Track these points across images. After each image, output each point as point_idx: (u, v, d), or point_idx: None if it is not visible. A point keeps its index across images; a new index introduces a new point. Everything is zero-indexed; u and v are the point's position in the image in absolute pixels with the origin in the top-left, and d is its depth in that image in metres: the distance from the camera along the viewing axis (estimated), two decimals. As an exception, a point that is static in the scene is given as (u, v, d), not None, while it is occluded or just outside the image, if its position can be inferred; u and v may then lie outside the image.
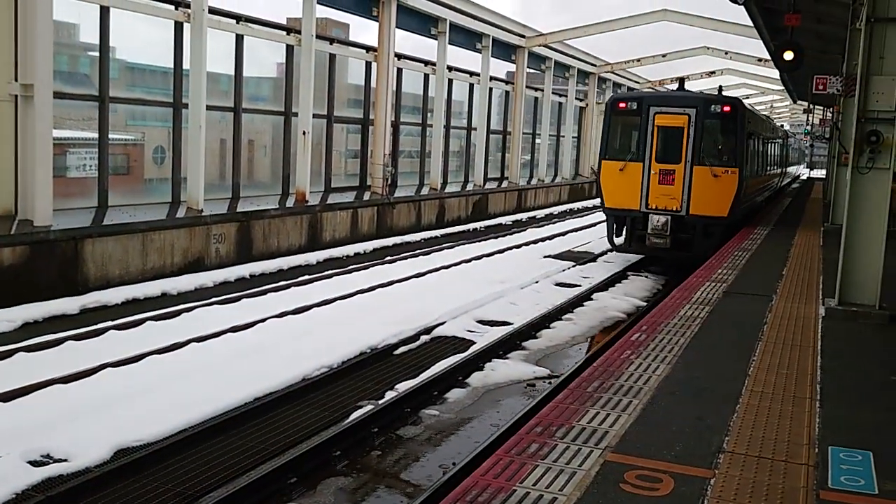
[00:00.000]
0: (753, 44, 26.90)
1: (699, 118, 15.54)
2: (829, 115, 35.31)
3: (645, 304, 13.49)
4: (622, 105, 16.18)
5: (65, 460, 6.39)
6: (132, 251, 12.89)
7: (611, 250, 17.44)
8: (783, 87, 40.67)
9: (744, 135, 15.98)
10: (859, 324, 8.83)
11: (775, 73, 34.75)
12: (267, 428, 7.31)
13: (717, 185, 15.50)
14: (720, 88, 18.44)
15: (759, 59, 34.29)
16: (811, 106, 39.76)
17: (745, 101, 18.21)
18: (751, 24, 20.17)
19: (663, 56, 36.44)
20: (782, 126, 35.70)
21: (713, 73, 42.83)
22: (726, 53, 35.72)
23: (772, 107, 59.87)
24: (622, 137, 16.31)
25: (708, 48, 36.01)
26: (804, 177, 63.84)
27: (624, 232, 16.59)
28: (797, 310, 9.36)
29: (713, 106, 15.75)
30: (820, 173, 67.63)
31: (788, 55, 13.49)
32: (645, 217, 15.88)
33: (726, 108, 15.76)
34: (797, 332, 8.27)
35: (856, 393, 6.39)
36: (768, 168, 23.00)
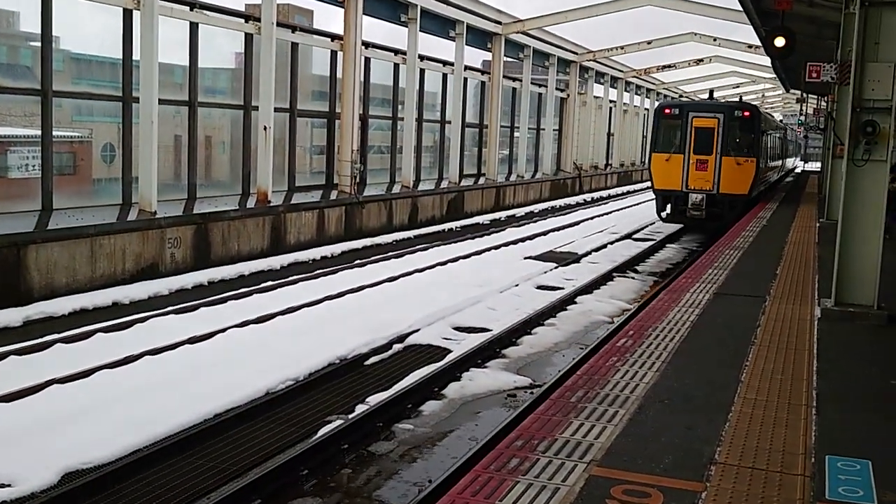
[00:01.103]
0: (743, 29, 27.15)
1: (726, 120, 21.43)
2: (823, 104, 35.70)
3: (631, 307, 13.58)
4: (667, 111, 22.54)
5: (8, 485, 6.32)
6: (80, 258, 12.77)
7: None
8: (775, 76, 41.05)
9: (759, 133, 22.08)
10: (857, 325, 8.94)
11: (766, 61, 35.04)
12: (228, 446, 7.27)
13: (740, 171, 21.48)
14: (741, 97, 27.95)
15: (749, 46, 34.59)
16: (804, 95, 40.17)
17: (760, 107, 26.51)
18: (740, 8, 20.33)
19: (648, 43, 36.68)
20: (781, 121, 40.34)
21: (701, 60, 43.25)
22: (714, 40, 36.00)
23: (763, 96, 60.50)
24: (667, 135, 22.19)
25: (695, 34, 36.28)
26: (798, 170, 64.55)
27: (668, 207, 22.61)
28: (792, 311, 9.46)
29: (736, 111, 21.92)
30: (814, 166, 68.35)
31: (780, 41, 13.62)
32: (685, 195, 21.74)
33: (746, 113, 21.95)
34: (792, 334, 8.36)
35: (854, 399, 6.47)
36: (775, 158, 30.41)
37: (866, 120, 9.00)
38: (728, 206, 21.58)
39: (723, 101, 26.44)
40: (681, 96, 57.94)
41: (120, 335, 10.52)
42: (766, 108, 61.12)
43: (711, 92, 25.39)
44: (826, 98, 29.37)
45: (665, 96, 55.75)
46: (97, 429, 7.29)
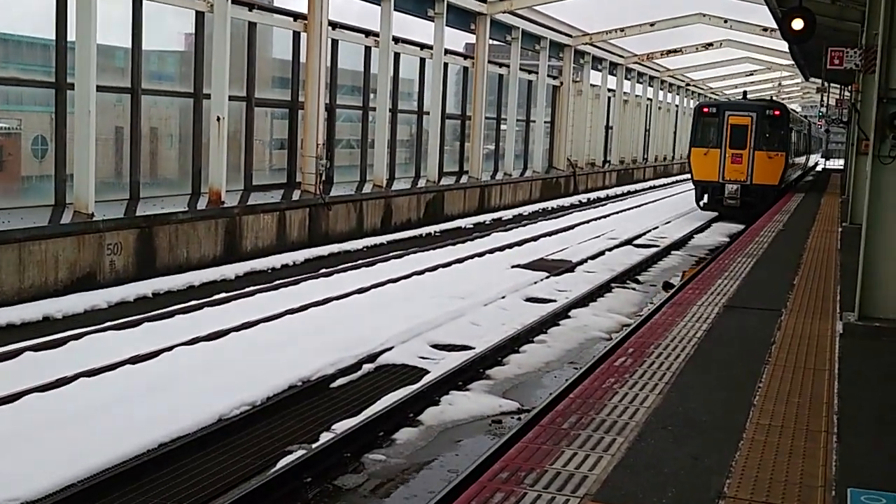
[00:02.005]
0: (757, 10, 27.38)
1: (758, 119, 27.34)
2: (846, 94, 36.04)
3: (631, 322, 13.64)
4: (706, 110, 28.72)
5: (-79, 526, 6.27)
6: (6, 266, 12.67)
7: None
8: (793, 62, 41.44)
9: (788, 130, 28.09)
10: (883, 342, 9.02)
11: (783, 46, 35.37)
12: (175, 480, 7.24)
13: (771, 164, 27.19)
14: (772, 98, 35.13)
15: (765, 29, 34.95)
16: (825, 84, 40.56)
17: (788, 105, 34.76)
18: (753, -14, 20.56)
19: (651, 25, 36.94)
20: (805, 117, 45.22)
21: (710, 45, 43.58)
22: (725, 21, 36.33)
23: (780, 85, 61.05)
24: (705, 132, 27.94)
25: (704, 15, 36.60)
26: (819, 167, 65.32)
27: (705, 196, 28.43)
28: (810, 326, 9.54)
29: (767, 110, 27.86)
30: (835, 164, 69.01)
31: (798, 23, 13.72)
32: (722, 186, 27.50)
33: (776, 112, 27.89)
34: (810, 352, 8.43)
35: (880, 424, 6.53)
36: (800, 153, 36.72)
37: (894, 112, 9.09)
38: (760, 195, 27.17)
39: (755, 100, 32.58)
40: (687, 85, 58.42)
41: (52, 354, 10.43)
42: (784, 99, 63.52)
43: (745, 93, 33.30)
44: (850, 88, 29.67)
45: (671, 85, 56.13)
46: (24, 460, 7.23)
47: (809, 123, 44.41)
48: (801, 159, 38.21)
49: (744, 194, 27.29)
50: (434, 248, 20.49)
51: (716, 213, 28.60)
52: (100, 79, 14.96)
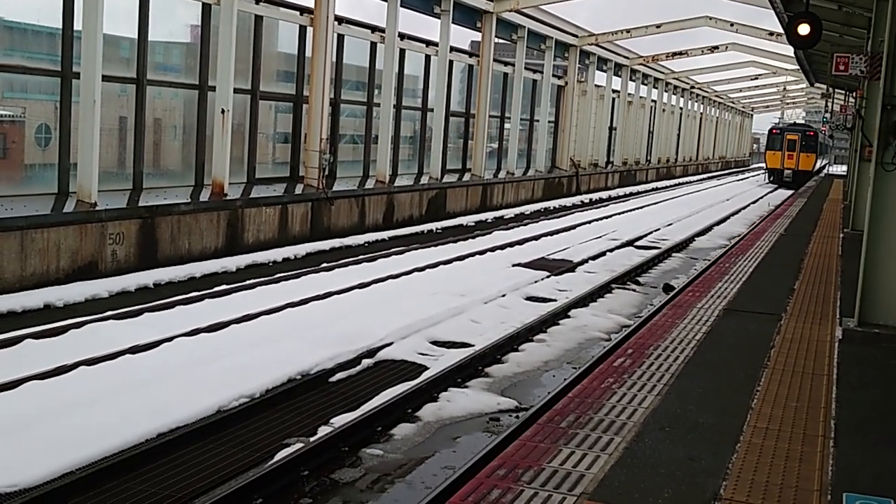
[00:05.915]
0: (764, 15, 27.37)
1: (802, 135, 53.83)
2: (851, 100, 36.06)
3: (631, 323, 13.65)
4: (774, 131, 56.58)
5: (-81, 510, 6.28)
6: (8, 253, 12.69)
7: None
8: (798, 67, 41.46)
9: (818, 142, 55.46)
10: (883, 348, 9.03)
11: (789, 50, 35.39)
12: (172, 471, 7.25)
13: (808, 159, 54.02)
14: (809, 123, 67.95)
15: (771, 33, 34.94)
16: (830, 90, 40.60)
17: (817, 128, 61.16)
18: (760, -10, 20.56)
19: (657, 27, 36.93)
20: (824, 132, 61.47)
21: (716, 48, 43.59)
22: (732, 25, 36.33)
23: (785, 90, 61.20)
24: (774, 142, 54.45)
25: (710, 18, 36.60)
26: (824, 172, 67.18)
27: (772, 176, 55.79)
28: (810, 331, 9.55)
29: (807, 132, 54.73)
30: (838, 169, 69.55)
31: (804, 29, 13.71)
32: (782, 170, 53.82)
33: (811, 133, 54.62)
34: (809, 357, 8.44)
35: (877, 430, 6.54)
36: (821, 155, 63.38)
37: (897, 119, 9.13)
38: (802, 175, 51.63)
39: (800, 124, 59.17)
40: (692, 87, 58.50)
41: (52, 342, 10.44)
42: (788, 104, 77.04)
43: (795, 122, 63.77)
44: (854, 94, 29.67)
45: (675, 87, 56.13)
46: (23, 448, 7.25)
47: (825, 136, 64.26)
48: (821, 158, 63.73)
49: (793, 175, 51.42)
50: (435, 245, 20.51)
51: (717, 220, 30.81)
52: (105, 68, 14.97)
